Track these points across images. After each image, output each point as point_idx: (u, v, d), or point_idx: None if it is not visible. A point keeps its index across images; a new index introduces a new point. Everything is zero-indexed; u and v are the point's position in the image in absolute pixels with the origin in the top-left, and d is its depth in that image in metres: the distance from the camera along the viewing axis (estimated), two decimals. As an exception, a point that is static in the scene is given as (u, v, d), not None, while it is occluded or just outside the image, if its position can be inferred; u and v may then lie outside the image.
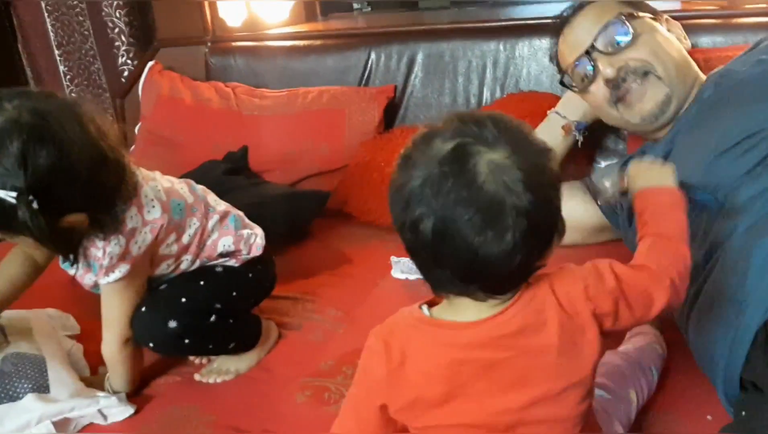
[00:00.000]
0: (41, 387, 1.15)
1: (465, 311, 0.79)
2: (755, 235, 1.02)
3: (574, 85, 1.44)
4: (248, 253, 1.31)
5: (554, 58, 1.52)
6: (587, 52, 1.37)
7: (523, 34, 2.02)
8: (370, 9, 3.14)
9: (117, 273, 1.13)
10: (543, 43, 1.96)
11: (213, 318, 1.22)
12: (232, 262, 1.30)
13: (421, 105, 2.09)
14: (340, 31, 2.32)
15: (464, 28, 2.14)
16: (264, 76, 2.22)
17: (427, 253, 0.75)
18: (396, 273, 1.58)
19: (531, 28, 2.03)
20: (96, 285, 1.17)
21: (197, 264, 1.26)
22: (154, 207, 1.15)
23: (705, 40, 1.77)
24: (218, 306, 1.24)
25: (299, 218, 1.80)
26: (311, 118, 2.05)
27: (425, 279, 0.79)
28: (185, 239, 1.22)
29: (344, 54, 2.17)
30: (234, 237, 1.28)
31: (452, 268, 0.74)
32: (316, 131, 2.03)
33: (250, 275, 1.31)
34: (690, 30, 1.80)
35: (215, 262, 1.28)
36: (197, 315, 1.21)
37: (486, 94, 2.01)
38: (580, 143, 1.59)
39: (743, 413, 0.92)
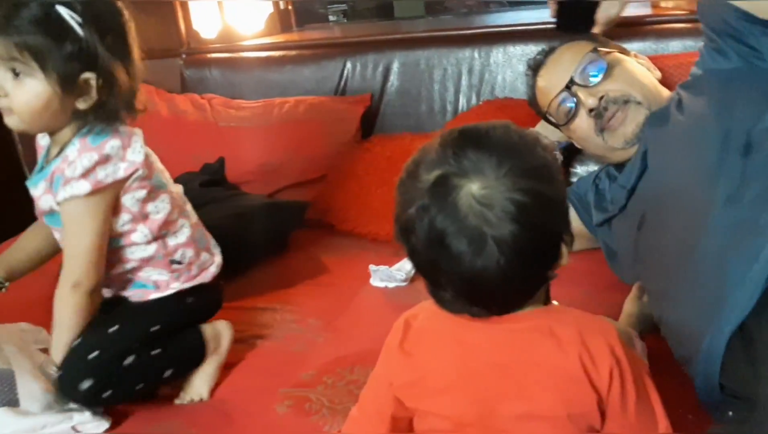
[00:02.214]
0: (10, 401, 1.11)
1: None
2: (734, 240, 1.02)
3: (557, 121, 1.50)
4: (197, 275, 1.26)
5: (532, 102, 1.58)
6: (567, 87, 1.44)
7: (497, 41, 2.04)
8: (345, 21, 3.15)
9: (76, 188, 1.08)
10: (517, 50, 1.98)
11: (130, 359, 1.14)
12: (167, 289, 1.23)
13: (398, 113, 2.10)
14: (315, 41, 2.32)
15: (439, 37, 2.15)
16: (240, 87, 2.22)
17: (429, 277, 0.79)
18: (375, 282, 1.57)
19: (505, 36, 2.05)
20: (51, 211, 1.14)
21: (150, 250, 1.19)
22: (139, 153, 1.14)
23: (675, 45, 1.80)
24: (135, 345, 1.16)
25: (279, 229, 1.79)
26: (288, 129, 2.04)
27: (434, 299, 0.81)
28: (151, 208, 1.18)
29: (320, 64, 2.18)
30: (194, 252, 1.25)
31: (452, 291, 0.77)
32: (294, 141, 2.03)
33: (189, 300, 1.25)
34: (661, 35, 1.83)
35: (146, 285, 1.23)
36: (110, 365, 1.12)
37: (462, 102, 2.03)
38: (560, 161, 1.66)
39: (730, 413, 0.92)
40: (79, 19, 1.03)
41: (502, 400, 0.79)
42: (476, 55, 2.03)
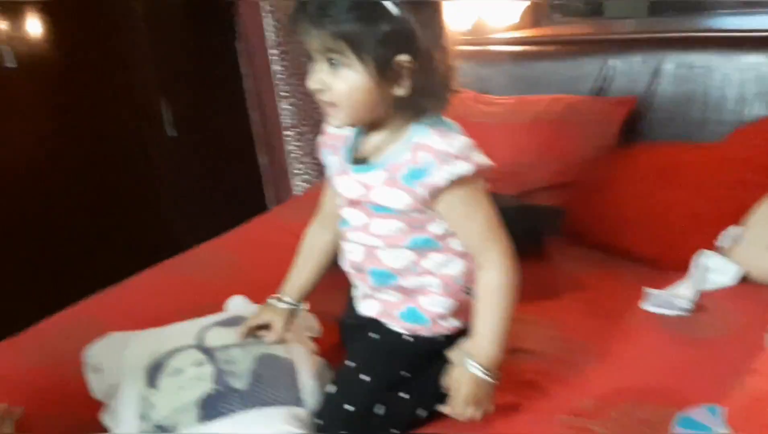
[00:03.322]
0: (293, 400, 1.10)
1: None
2: None
3: None
4: (464, 315, 1.12)
5: None
6: None
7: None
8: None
9: (460, 167, 0.98)
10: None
11: (381, 409, 1.07)
12: (438, 327, 1.12)
13: (666, 120, 1.90)
14: (575, 37, 2.17)
15: (721, 38, 1.93)
16: (490, 82, 2.13)
17: None
18: (648, 306, 1.41)
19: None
20: (377, 203, 1.04)
21: (458, 266, 1.09)
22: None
23: None
24: (385, 393, 1.08)
25: (532, 234, 1.68)
26: (542, 128, 1.93)
27: None
28: None
29: (579, 61, 2.04)
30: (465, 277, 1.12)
31: None
32: (547, 142, 1.91)
33: (443, 342, 1.12)
34: None
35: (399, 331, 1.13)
36: (362, 417, 1.06)
37: (746, 111, 1.79)
38: None
39: None
40: None
41: None
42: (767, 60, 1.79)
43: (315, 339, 1.33)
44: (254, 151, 2.94)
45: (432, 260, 1.08)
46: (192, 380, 1.13)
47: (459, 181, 1.00)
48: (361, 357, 1.11)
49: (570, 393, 1.16)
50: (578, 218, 1.77)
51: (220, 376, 1.12)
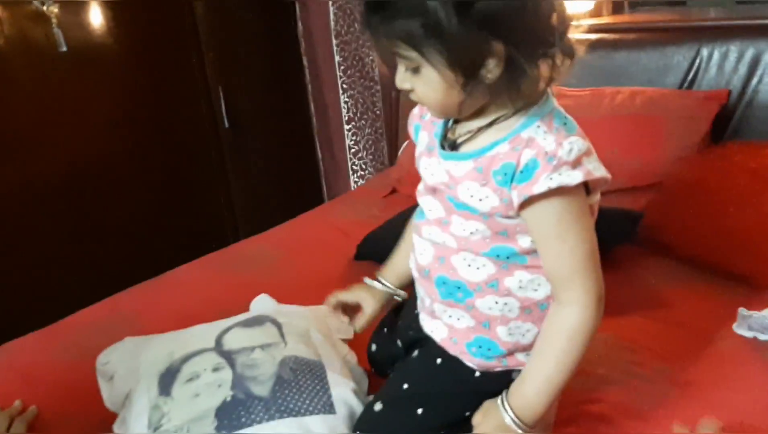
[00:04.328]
0: (324, 406, 0.96)
1: None
2: None
3: None
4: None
5: None
6: None
7: None
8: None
9: (567, 176, 0.78)
10: None
11: None
12: (514, 360, 0.95)
13: (763, 116, 1.68)
14: (660, 24, 1.95)
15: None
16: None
17: None
18: (740, 329, 1.20)
19: None
20: (458, 200, 0.87)
21: (545, 290, 0.89)
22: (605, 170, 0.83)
23: None
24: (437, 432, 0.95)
25: (603, 240, 1.48)
26: (620, 123, 1.73)
27: None
28: None
29: (664, 50, 1.82)
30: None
31: None
32: (626, 139, 1.70)
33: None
34: None
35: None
36: None
37: None
38: None
39: None
40: None
41: None
42: None
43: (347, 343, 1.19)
44: (314, 144, 2.84)
45: (516, 279, 0.89)
46: (209, 386, 1.02)
47: (558, 191, 0.80)
48: (418, 382, 0.95)
49: (647, 428, 0.98)
50: (658, 225, 1.56)
51: (239, 382, 1.01)
